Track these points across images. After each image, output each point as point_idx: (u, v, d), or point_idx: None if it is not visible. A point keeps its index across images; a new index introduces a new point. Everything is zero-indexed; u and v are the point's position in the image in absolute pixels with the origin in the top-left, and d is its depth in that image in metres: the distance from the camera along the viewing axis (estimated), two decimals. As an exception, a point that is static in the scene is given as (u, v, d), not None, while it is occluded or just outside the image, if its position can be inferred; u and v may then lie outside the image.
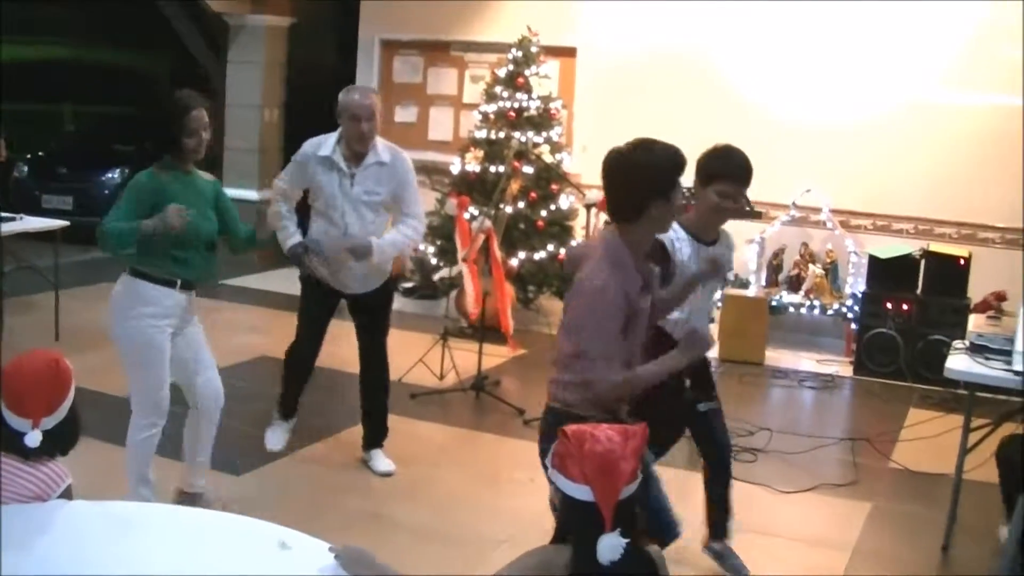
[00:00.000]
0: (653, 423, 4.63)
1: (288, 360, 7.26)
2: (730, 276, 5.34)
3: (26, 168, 14.53)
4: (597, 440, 2.98)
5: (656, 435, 4.19)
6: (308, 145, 6.70)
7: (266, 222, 6.19)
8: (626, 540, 2.91)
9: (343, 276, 6.77)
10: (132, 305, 5.62)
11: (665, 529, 4.63)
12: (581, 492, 2.95)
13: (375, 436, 7.17)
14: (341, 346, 7.36)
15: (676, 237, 5.25)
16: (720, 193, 5.28)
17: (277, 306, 10.89)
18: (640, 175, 4.23)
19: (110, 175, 14.37)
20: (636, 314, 4.27)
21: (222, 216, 5.85)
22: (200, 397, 5.94)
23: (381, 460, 7.08)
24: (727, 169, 5.32)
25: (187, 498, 6.00)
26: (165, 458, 6.13)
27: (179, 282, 5.67)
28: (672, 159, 4.27)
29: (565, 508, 3.04)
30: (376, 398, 7.16)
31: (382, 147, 6.66)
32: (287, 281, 11.32)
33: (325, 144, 6.62)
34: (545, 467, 4.29)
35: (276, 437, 7.28)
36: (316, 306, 6.99)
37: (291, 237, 6.69)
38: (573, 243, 10.54)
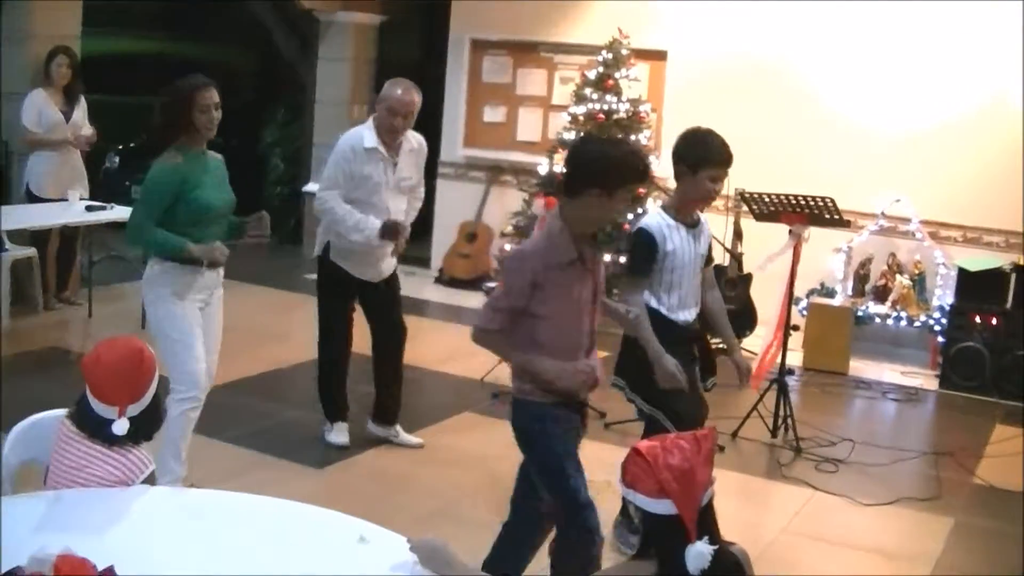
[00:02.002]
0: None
1: (330, 361, 7.25)
2: (703, 256, 5.71)
3: (117, 159, 14.70)
4: (670, 452, 2.97)
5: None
6: (347, 141, 6.83)
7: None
8: (713, 547, 2.89)
9: (380, 263, 7.02)
10: (164, 284, 5.86)
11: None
12: (661, 506, 2.94)
13: (396, 410, 7.33)
14: (422, 343, 7.36)
15: (666, 224, 5.56)
16: (712, 178, 5.51)
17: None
18: (590, 163, 4.48)
19: (197, 166, 14.41)
20: (554, 286, 4.45)
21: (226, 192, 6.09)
22: None
23: (407, 435, 7.34)
24: (713, 155, 5.55)
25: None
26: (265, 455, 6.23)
27: (205, 260, 5.86)
28: (628, 161, 4.51)
29: (646, 524, 3.03)
30: (398, 373, 7.32)
31: (409, 132, 6.89)
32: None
33: (367, 136, 6.77)
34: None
35: (339, 435, 7.23)
36: (342, 301, 7.16)
37: (370, 221, 6.75)
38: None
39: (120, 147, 14.79)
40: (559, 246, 4.46)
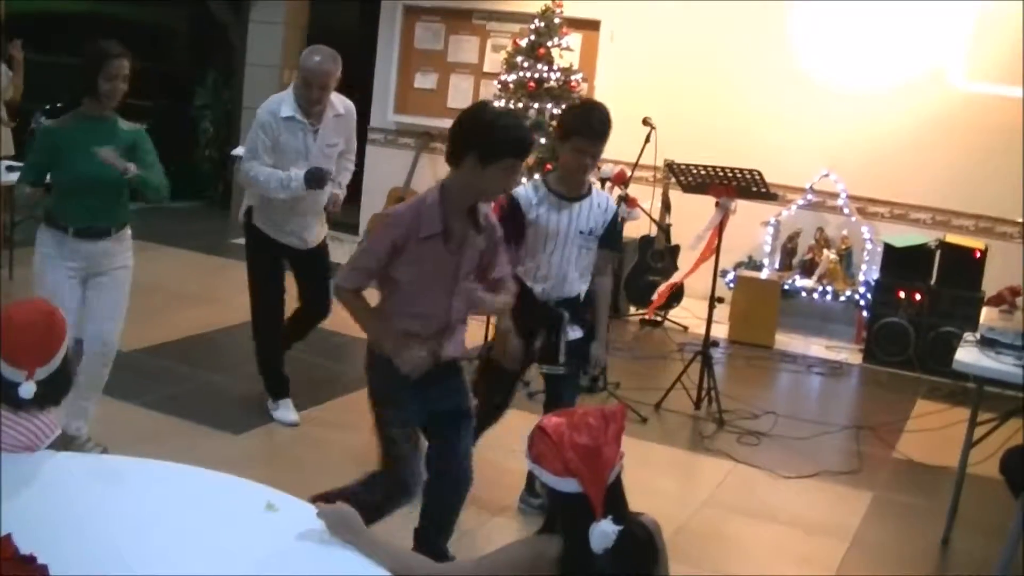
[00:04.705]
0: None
1: (261, 330, 7.05)
2: (592, 235, 5.51)
3: (44, 119, 14.50)
4: (576, 430, 2.92)
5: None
6: (266, 109, 6.65)
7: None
8: (618, 527, 2.86)
9: (304, 232, 6.85)
10: (39, 247, 5.93)
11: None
12: (567, 484, 2.90)
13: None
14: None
15: (533, 194, 5.48)
16: (575, 149, 5.39)
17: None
18: (469, 130, 4.38)
19: (128, 128, 14.28)
20: (418, 257, 4.39)
21: (139, 165, 5.84)
22: (85, 344, 6.04)
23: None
24: (582, 125, 5.42)
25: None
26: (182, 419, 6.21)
27: (71, 228, 5.83)
28: (504, 132, 4.35)
29: (552, 500, 3.00)
30: (289, 344, 7.22)
31: (335, 98, 6.73)
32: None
33: (284, 104, 6.61)
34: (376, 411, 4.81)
35: (287, 413, 7.06)
36: (268, 266, 6.94)
37: (292, 174, 6.55)
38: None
39: (48, 107, 14.60)
40: (426, 220, 4.37)
